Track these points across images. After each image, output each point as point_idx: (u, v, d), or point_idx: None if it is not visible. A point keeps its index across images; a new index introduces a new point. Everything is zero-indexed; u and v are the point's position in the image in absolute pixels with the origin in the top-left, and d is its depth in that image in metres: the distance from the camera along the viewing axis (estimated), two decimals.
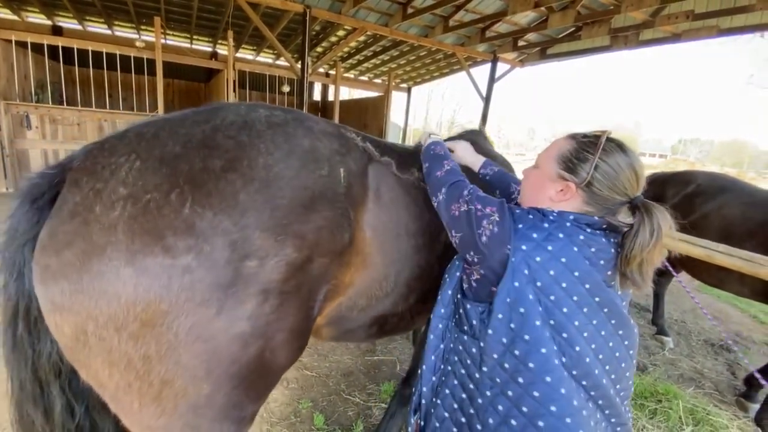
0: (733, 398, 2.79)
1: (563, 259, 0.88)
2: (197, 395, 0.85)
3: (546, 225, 0.91)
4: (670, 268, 2.99)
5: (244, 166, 0.88)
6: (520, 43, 8.47)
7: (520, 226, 0.92)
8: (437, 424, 1.03)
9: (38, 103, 6.54)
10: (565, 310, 0.88)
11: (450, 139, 1.95)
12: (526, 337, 0.88)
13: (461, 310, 1.03)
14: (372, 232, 1.15)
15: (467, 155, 1.53)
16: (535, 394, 0.86)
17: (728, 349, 3.58)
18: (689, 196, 3.11)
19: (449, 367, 1.05)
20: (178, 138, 0.88)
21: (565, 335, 0.88)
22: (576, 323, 0.88)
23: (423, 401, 1.10)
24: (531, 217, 0.93)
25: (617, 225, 0.92)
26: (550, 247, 0.88)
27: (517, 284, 0.88)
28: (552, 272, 0.87)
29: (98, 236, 0.75)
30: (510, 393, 0.89)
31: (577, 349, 0.88)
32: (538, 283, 0.87)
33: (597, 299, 0.90)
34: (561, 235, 0.89)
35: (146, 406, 0.84)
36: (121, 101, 8.12)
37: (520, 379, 0.88)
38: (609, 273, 0.91)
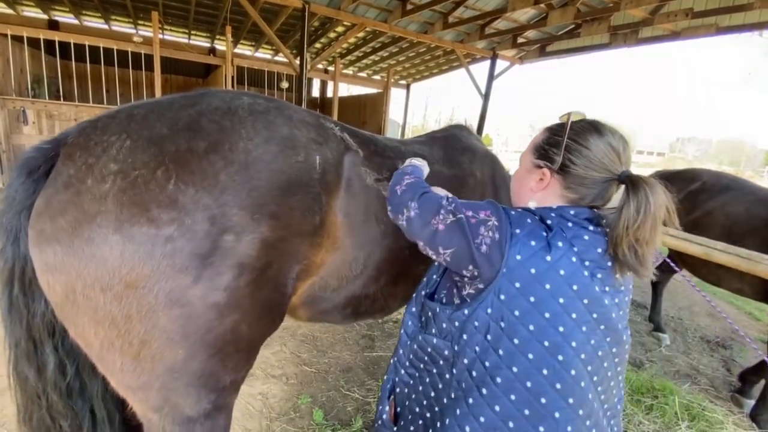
0: (729, 394, 2.82)
1: (562, 272, 0.80)
2: (173, 359, 0.92)
3: (544, 233, 0.83)
4: (673, 264, 3.00)
5: (225, 149, 0.95)
6: (520, 40, 8.45)
7: (518, 230, 0.83)
8: (409, 416, 1.03)
9: (35, 98, 6.49)
10: (561, 329, 0.80)
11: (434, 133, 1.95)
12: (500, 351, 0.82)
13: (429, 313, 1.00)
14: (343, 216, 1.22)
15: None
16: (497, 408, 0.82)
17: (724, 345, 3.61)
18: (693, 193, 3.12)
19: (421, 365, 1.03)
20: (165, 120, 0.95)
21: (560, 358, 0.80)
22: (573, 344, 0.80)
23: (398, 389, 1.10)
24: (529, 221, 0.85)
25: (606, 215, 0.86)
26: (548, 257, 0.80)
27: (503, 297, 0.81)
28: (548, 286, 0.79)
29: (90, 205, 0.83)
30: (471, 401, 0.85)
31: (573, 373, 0.80)
32: (531, 298, 0.80)
33: (594, 315, 0.82)
34: (560, 244, 0.81)
35: (127, 365, 0.91)
36: (118, 97, 8.07)
37: (484, 391, 0.83)
38: (611, 269, 0.84)
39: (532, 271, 0.80)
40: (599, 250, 0.83)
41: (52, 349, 1.01)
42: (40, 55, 6.57)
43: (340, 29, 8.42)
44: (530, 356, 0.80)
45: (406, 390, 1.07)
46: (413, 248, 1.47)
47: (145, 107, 1.00)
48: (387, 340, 3.07)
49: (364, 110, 10.55)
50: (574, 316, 0.80)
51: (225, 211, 0.90)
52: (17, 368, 1.02)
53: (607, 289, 0.84)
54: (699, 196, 3.08)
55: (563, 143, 0.87)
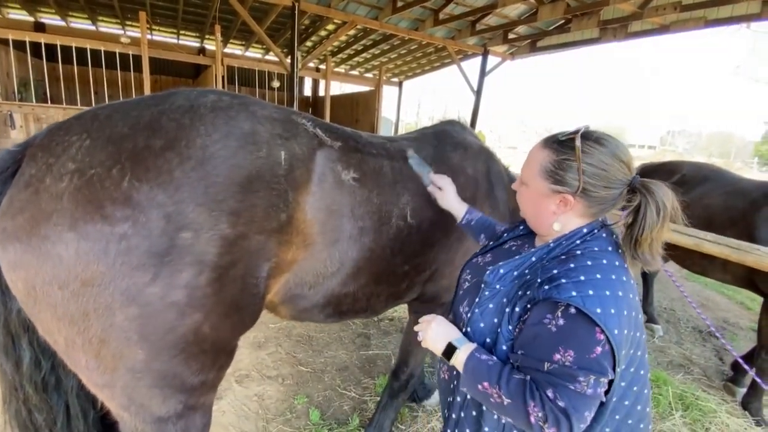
0: (721, 383, 2.86)
1: (633, 313, 0.85)
2: (133, 359, 0.92)
3: (613, 276, 0.84)
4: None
5: (182, 145, 0.95)
6: (511, 36, 8.45)
7: (614, 310, 0.81)
8: None
9: (22, 101, 6.38)
10: (632, 369, 0.89)
11: (425, 130, 1.94)
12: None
13: None
14: (314, 213, 1.19)
15: (453, 200, 1.44)
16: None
17: (716, 335, 3.66)
18: (674, 186, 3.14)
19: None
20: (127, 120, 0.96)
21: (626, 403, 0.91)
22: (635, 388, 0.92)
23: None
24: (612, 280, 0.84)
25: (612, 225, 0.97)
26: (625, 312, 0.83)
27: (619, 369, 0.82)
28: (626, 331, 0.82)
29: (46, 204, 0.84)
30: None
31: (626, 403, 0.91)
32: (623, 351, 0.82)
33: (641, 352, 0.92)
34: (627, 281, 0.86)
35: (91, 363, 0.92)
36: (107, 98, 7.91)
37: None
38: None
39: (626, 332, 0.83)
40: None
41: (28, 344, 1.04)
42: (26, 57, 6.47)
43: (330, 27, 8.36)
44: (635, 389, 0.91)
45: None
46: (394, 247, 1.44)
47: (111, 107, 1.01)
48: (383, 338, 3.07)
49: (357, 108, 10.51)
50: (638, 353, 0.91)
51: (181, 208, 0.90)
52: None
53: None
54: (678, 189, 3.09)
55: (579, 168, 0.87)
